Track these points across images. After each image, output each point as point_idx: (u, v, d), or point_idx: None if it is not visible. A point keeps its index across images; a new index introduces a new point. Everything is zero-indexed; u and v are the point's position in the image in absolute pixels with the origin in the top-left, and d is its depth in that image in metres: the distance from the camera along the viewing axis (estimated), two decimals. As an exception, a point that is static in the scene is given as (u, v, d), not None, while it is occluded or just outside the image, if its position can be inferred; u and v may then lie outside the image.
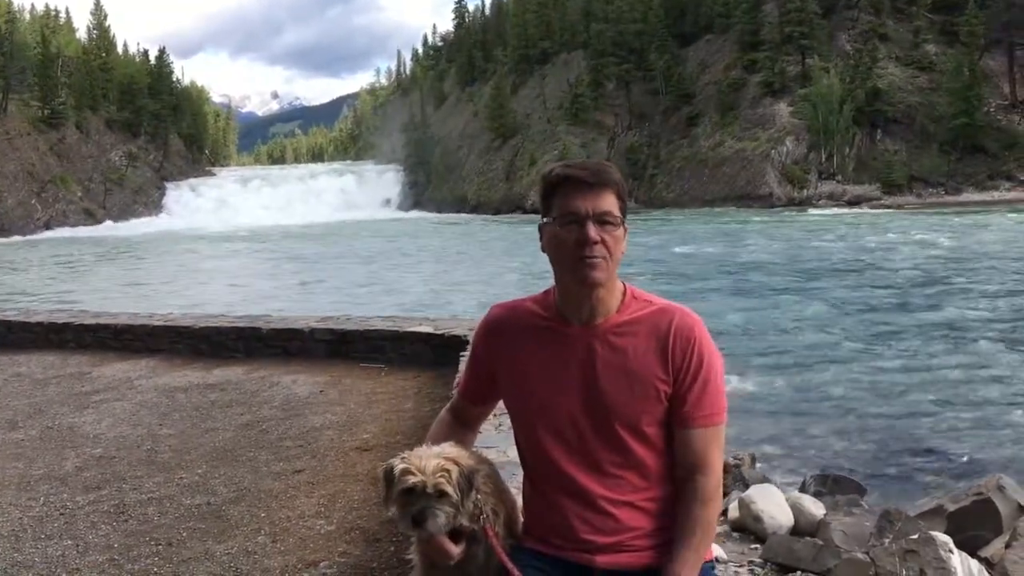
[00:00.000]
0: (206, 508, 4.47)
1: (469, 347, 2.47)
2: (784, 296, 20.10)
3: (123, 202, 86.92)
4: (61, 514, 4.48)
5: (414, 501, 2.07)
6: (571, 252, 2.04)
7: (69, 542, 4.10)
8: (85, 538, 4.14)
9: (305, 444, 5.52)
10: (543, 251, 2.13)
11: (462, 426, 2.39)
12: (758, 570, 4.37)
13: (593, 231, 2.02)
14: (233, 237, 56.75)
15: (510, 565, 2.08)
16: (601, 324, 2.11)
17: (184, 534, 4.13)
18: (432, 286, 25.54)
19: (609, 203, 2.05)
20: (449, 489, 2.06)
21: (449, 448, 2.17)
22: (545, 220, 2.12)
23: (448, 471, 2.08)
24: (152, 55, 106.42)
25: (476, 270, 30.29)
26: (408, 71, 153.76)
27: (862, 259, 27.39)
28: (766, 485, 5.89)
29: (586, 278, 2.04)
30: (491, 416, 2.85)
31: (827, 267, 25.72)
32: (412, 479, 2.07)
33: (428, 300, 21.90)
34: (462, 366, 6.26)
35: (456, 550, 2.12)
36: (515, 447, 2.34)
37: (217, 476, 4.97)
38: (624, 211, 2.09)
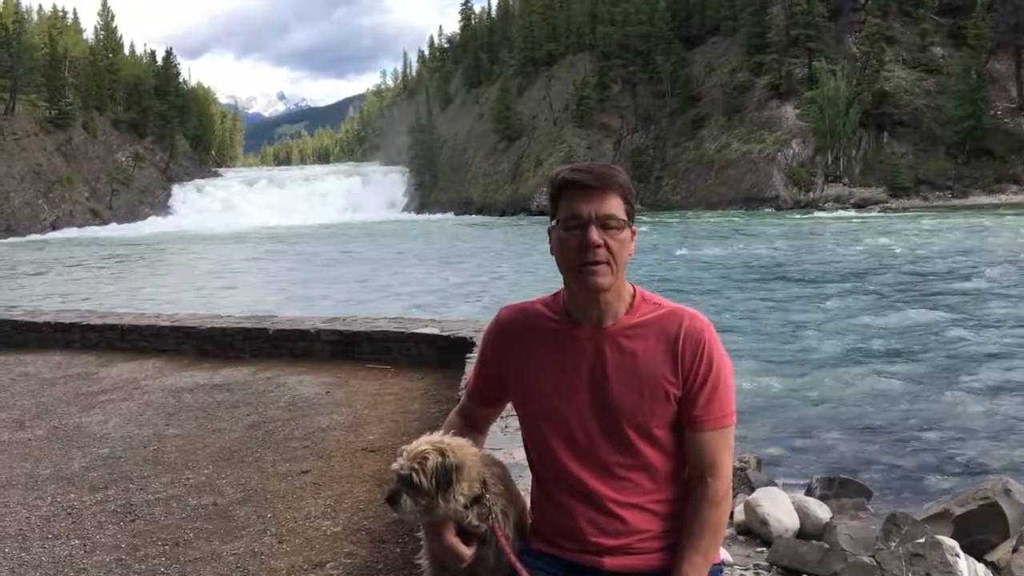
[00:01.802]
0: (212, 508, 4.47)
1: (478, 349, 2.47)
2: (790, 298, 20.07)
3: (129, 203, 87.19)
4: (68, 514, 4.49)
5: (394, 482, 2.12)
6: (575, 256, 2.04)
7: (76, 542, 4.11)
8: (92, 538, 4.15)
9: (311, 445, 5.53)
10: (552, 254, 2.13)
11: (471, 428, 2.38)
12: (764, 573, 4.37)
13: (596, 235, 2.02)
14: (245, 238, 56.83)
15: (519, 566, 2.08)
16: (610, 327, 2.11)
17: (191, 534, 4.14)
18: (438, 287, 25.54)
19: (613, 206, 2.05)
20: (417, 477, 2.06)
21: (449, 439, 2.16)
22: (552, 223, 2.13)
23: (425, 459, 2.08)
24: (159, 56, 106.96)
25: (483, 271, 30.30)
26: (414, 73, 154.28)
27: (869, 262, 27.35)
28: (772, 488, 5.90)
29: (589, 284, 2.04)
30: (497, 418, 2.85)
31: (834, 270, 25.68)
32: (396, 460, 2.11)
33: (434, 301, 21.91)
34: (468, 367, 6.27)
35: (468, 552, 2.13)
36: (522, 449, 2.34)
37: (223, 476, 4.98)
38: (631, 214, 2.09)
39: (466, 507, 2.11)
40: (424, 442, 2.13)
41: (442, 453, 2.10)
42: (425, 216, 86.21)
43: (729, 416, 2.10)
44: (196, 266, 37.64)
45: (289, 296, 24.03)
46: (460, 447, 2.14)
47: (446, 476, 2.07)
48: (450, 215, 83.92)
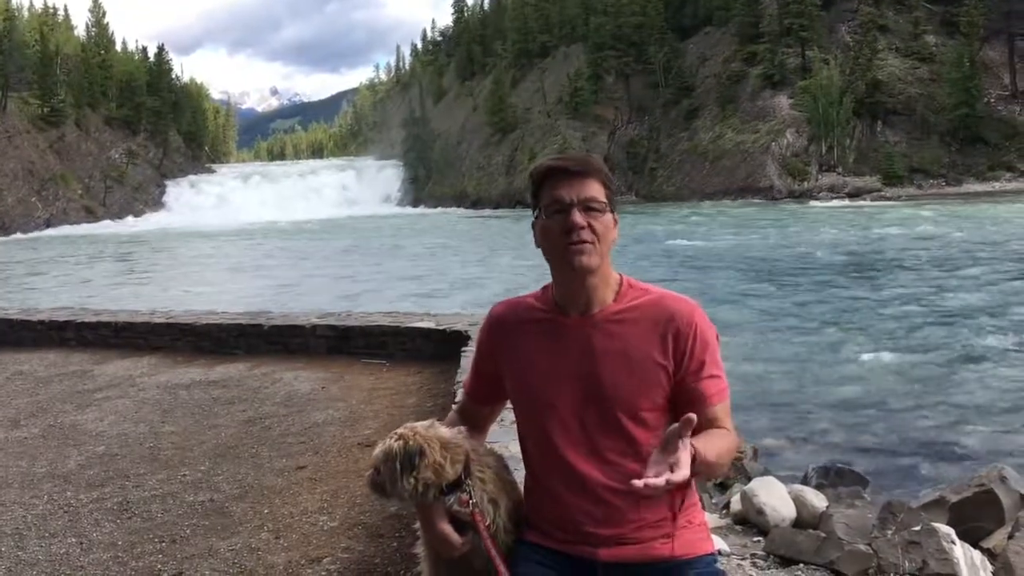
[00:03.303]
0: (209, 505, 4.48)
1: (473, 345, 2.49)
2: (784, 289, 20.10)
3: (123, 200, 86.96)
4: (65, 512, 4.49)
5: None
6: (559, 240, 2.07)
7: (73, 540, 4.11)
8: (89, 536, 4.15)
9: (307, 440, 5.53)
10: (537, 246, 2.15)
11: (470, 427, 2.38)
12: (761, 563, 4.38)
13: (579, 217, 2.04)
14: (243, 234, 56.66)
15: (494, 553, 2.09)
16: (598, 313, 2.13)
17: (187, 531, 4.14)
18: (436, 280, 25.54)
19: (594, 190, 2.08)
20: (385, 464, 2.14)
21: (424, 427, 2.19)
22: (535, 215, 2.14)
23: (391, 447, 2.13)
24: (151, 52, 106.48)
25: (482, 264, 30.28)
26: (407, 66, 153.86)
27: (863, 251, 27.40)
28: (768, 478, 5.91)
29: (575, 264, 2.06)
30: (498, 417, 2.84)
31: (828, 260, 25.72)
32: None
33: (433, 294, 21.91)
34: (463, 361, 6.28)
35: (459, 540, 2.14)
36: (517, 442, 2.35)
37: (220, 473, 4.98)
38: (612, 199, 2.12)
39: (443, 492, 2.12)
40: (397, 430, 2.17)
41: (405, 439, 2.13)
42: (423, 210, 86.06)
43: (725, 390, 2.13)
44: (195, 263, 37.55)
45: (289, 291, 23.99)
46: (428, 432, 2.16)
47: (409, 460, 2.10)
48: (454, 209, 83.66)
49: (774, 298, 18.69)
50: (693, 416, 1.82)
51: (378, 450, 2.16)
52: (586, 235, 2.04)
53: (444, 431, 2.19)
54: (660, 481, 1.77)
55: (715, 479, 6.16)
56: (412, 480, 2.09)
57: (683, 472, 1.79)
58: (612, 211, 2.11)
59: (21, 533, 4.23)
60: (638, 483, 1.77)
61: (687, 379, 2.09)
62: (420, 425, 2.19)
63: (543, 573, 2.13)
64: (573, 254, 2.05)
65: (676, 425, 1.83)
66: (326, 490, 4.59)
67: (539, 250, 2.17)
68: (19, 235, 67.90)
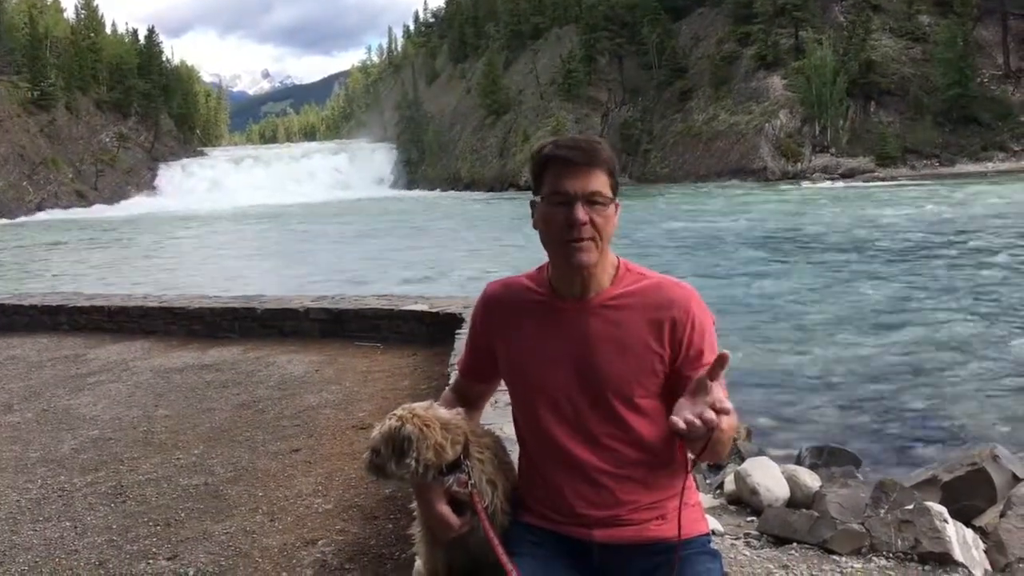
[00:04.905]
0: (204, 488, 4.48)
1: (468, 325, 2.47)
2: (777, 269, 20.12)
3: (115, 183, 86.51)
4: (59, 496, 4.49)
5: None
6: (560, 233, 2.04)
7: (67, 524, 4.11)
8: (83, 520, 4.15)
9: (302, 423, 5.53)
10: (535, 227, 2.12)
11: (464, 405, 2.38)
12: (754, 542, 4.39)
13: (582, 212, 2.01)
14: (238, 218, 56.39)
15: (492, 534, 2.08)
16: (594, 298, 2.11)
17: (182, 514, 4.14)
18: (430, 264, 25.50)
19: (599, 182, 2.04)
20: (380, 446, 2.13)
21: (423, 408, 2.18)
22: (536, 198, 2.11)
23: (389, 428, 2.13)
24: (141, 35, 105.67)
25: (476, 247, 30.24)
26: (400, 48, 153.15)
27: (856, 232, 27.38)
28: (762, 458, 5.93)
29: (574, 261, 2.04)
30: (492, 396, 2.84)
31: (821, 240, 25.72)
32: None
33: (427, 276, 21.89)
34: (458, 344, 6.27)
35: (457, 521, 2.14)
36: (511, 424, 2.34)
37: (214, 456, 4.98)
38: (615, 188, 2.08)
39: (442, 472, 2.12)
40: (396, 411, 2.16)
41: (403, 420, 2.12)
42: (416, 192, 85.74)
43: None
44: (194, 248, 37.42)
45: (287, 277, 23.93)
46: (437, 416, 2.16)
47: (399, 444, 2.10)
48: (450, 192, 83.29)
49: (766, 278, 18.69)
50: (727, 353, 1.85)
51: (376, 432, 2.15)
52: (587, 231, 2.01)
53: (443, 412, 2.19)
54: (710, 415, 1.79)
55: (719, 460, 6.16)
56: (413, 461, 2.08)
57: (728, 405, 1.83)
58: (615, 200, 2.08)
59: (15, 517, 4.23)
60: (677, 421, 1.79)
61: (685, 367, 2.07)
62: (418, 406, 2.19)
63: (539, 554, 2.13)
64: (573, 251, 2.03)
65: (704, 371, 1.86)
66: (320, 473, 4.59)
67: (536, 230, 2.13)
68: (4, 220, 67.22)
